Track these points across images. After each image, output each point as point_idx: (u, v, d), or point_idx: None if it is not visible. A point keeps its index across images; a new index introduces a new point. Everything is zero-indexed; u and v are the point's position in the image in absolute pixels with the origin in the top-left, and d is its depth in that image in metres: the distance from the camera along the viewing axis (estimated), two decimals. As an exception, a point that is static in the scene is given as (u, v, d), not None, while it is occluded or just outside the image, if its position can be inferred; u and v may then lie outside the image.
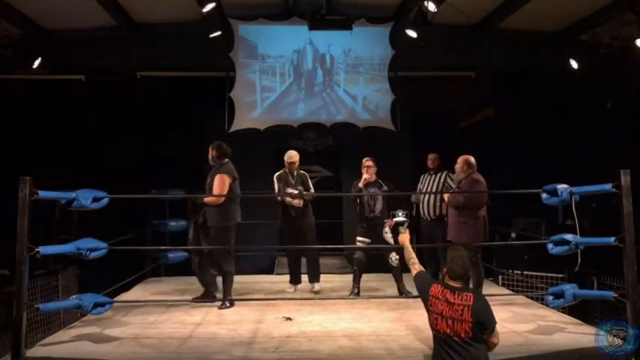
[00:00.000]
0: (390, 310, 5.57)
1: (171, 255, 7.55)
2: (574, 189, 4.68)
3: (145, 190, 7.14)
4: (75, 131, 8.75)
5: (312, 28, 7.94)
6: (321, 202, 7.16)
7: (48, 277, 6.81)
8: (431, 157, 6.75)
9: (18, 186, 4.16)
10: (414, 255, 4.06)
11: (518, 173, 7.73)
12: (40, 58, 8.29)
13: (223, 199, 5.60)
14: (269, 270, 8.29)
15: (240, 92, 8.99)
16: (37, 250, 4.25)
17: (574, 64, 8.50)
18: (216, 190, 5.61)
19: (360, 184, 6.25)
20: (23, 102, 8.62)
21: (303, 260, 6.76)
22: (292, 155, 6.56)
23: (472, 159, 5.90)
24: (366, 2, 8.53)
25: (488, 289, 6.23)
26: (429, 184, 6.70)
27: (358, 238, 6.32)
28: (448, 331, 3.42)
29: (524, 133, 8.78)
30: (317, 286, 6.62)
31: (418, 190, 6.77)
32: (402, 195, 6.63)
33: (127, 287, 6.50)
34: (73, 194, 4.52)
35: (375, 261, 6.59)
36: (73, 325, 5.15)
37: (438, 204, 6.50)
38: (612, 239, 4.35)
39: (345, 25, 7.83)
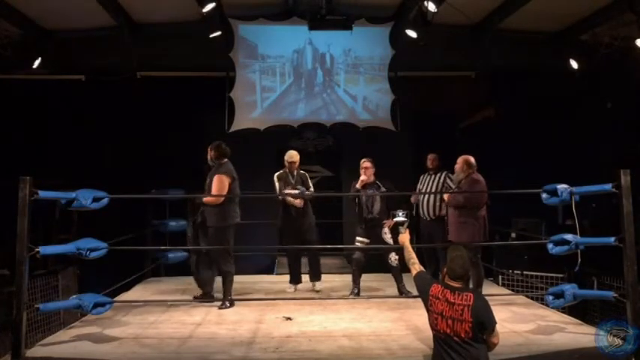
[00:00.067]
0: (390, 310, 5.57)
1: (171, 255, 7.55)
2: (574, 189, 4.68)
3: (145, 190, 7.14)
4: (75, 131, 8.75)
5: (312, 28, 7.94)
6: (321, 202, 7.17)
7: (48, 277, 6.81)
8: (430, 157, 6.75)
9: (18, 186, 4.16)
10: (414, 255, 4.06)
11: (518, 173, 7.73)
12: (40, 58, 8.29)
13: (222, 199, 5.60)
14: (269, 270, 8.29)
15: (240, 92, 8.99)
16: (37, 250, 4.25)
17: (574, 64, 8.50)
18: (215, 191, 5.61)
19: (358, 186, 6.24)
20: (23, 102, 8.62)
21: (304, 260, 6.76)
22: (293, 155, 6.57)
23: (472, 159, 5.91)
24: (366, 2, 8.53)
25: (488, 289, 6.23)
26: (428, 184, 6.69)
27: (357, 239, 6.32)
28: (448, 331, 3.42)
29: (524, 133, 8.78)
30: (318, 285, 6.64)
31: (417, 190, 6.77)
32: (399, 195, 6.62)
33: (127, 287, 6.50)
34: (73, 194, 4.52)
35: (375, 261, 6.59)
36: (73, 325, 5.15)
37: (437, 204, 6.50)
38: (612, 239, 4.35)
39: (345, 25, 7.83)
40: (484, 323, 3.40)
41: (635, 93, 7.99)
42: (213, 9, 7.39)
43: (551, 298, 4.83)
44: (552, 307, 5.05)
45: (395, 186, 6.36)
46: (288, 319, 5.21)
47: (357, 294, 6.23)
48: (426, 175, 6.78)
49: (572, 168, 7.03)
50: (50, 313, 6.26)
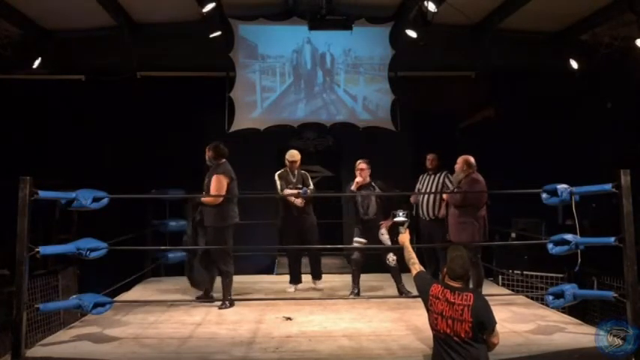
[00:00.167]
0: (390, 310, 5.56)
1: (171, 255, 7.55)
2: (574, 189, 4.67)
3: (145, 190, 7.15)
4: (75, 131, 8.75)
5: (312, 28, 7.95)
6: (321, 202, 7.16)
7: (48, 277, 6.81)
8: (429, 157, 6.75)
9: (18, 186, 4.16)
10: (414, 255, 4.06)
11: (518, 173, 7.73)
12: (40, 58, 8.30)
13: (221, 199, 5.61)
14: (269, 270, 8.29)
15: (240, 92, 8.99)
16: (37, 250, 4.25)
17: (574, 64, 8.50)
18: (213, 191, 5.62)
19: (353, 187, 6.23)
20: (23, 102, 8.62)
21: (304, 260, 6.77)
22: (294, 154, 6.58)
23: (472, 159, 5.91)
24: (366, 2, 8.53)
25: (488, 289, 6.23)
26: (427, 184, 6.69)
27: (355, 239, 6.31)
28: (448, 331, 3.42)
29: (524, 133, 8.78)
30: (319, 284, 6.66)
31: (417, 190, 6.77)
32: (395, 196, 6.60)
33: (127, 287, 6.49)
34: (73, 194, 4.52)
35: (374, 261, 6.58)
36: (73, 325, 5.15)
37: (437, 204, 6.50)
38: (612, 239, 4.35)
39: (345, 25, 7.83)
40: (484, 323, 3.39)
41: (635, 93, 7.99)
42: (213, 9, 7.40)
43: (551, 298, 4.82)
44: (552, 307, 5.05)
45: (395, 185, 6.35)
46: (288, 319, 5.21)
47: (357, 294, 6.22)
48: (425, 175, 6.78)
49: (572, 168, 7.03)
50: (50, 313, 6.26)
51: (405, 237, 4.31)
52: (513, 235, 7.74)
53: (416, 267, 3.95)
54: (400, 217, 4.74)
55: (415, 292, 3.99)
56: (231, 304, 5.68)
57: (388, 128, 9.05)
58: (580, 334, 4.60)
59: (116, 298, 5.44)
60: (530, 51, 8.85)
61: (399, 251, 4.60)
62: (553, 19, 8.30)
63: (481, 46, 8.70)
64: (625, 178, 4.29)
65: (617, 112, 8.64)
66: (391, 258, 6.14)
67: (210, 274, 5.96)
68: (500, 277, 7.54)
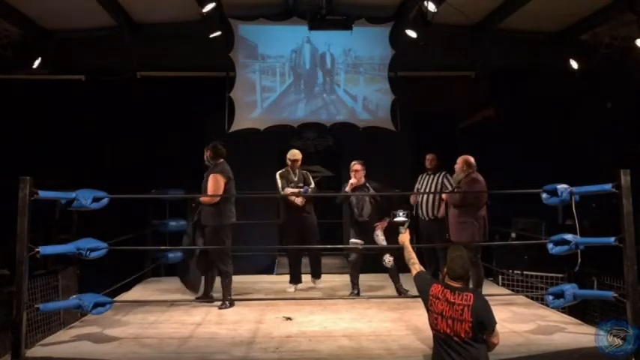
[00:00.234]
0: (390, 310, 5.57)
1: (171, 255, 7.55)
2: (574, 189, 4.67)
3: (145, 190, 7.15)
4: (75, 131, 8.75)
5: (312, 28, 7.95)
6: (321, 202, 7.16)
7: (48, 277, 6.81)
8: (428, 157, 6.75)
9: (18, 186, 4.16)
10: (414, 255, 4.06)
11: (518, 173, 7.73)
12: (40, 58, 8.30)
13: (218, 198, 5.62)
14: (269, 270, 8.29)
15: (240, 92, 8.99)
16: (37, 250, 4.25)
17: (574, 64, 8.50)
18: (210, 190, 5.64)
19: (347, 189, 6.22)
20: (23, 102, 8.62)
21: (304, 260, 6.77)
22: (295, 153, 6.60)
23: (472, 159, 5.91)
24: (366, 2, 8.53)
25: (488, 289, 6.23)
26: (426, 184, 6.69)
27: (351, 241, 6.32)
28: (448, 330, 3.42)
29: (524, 133, 8.78)
30: (319, 283, 6.69)
31: (416, 189, 6.76)
32: (390, 197, 6.59)
33: (127, 287, 6.49)
34: (73, 194, 4.52)
35: (372, 262, 6.58)
36: (73, 325, 5.15)
37: (436, 204, 6.50)
38: (612, 239, 4.35)
39: (345, 25, 7.83)
40: (484, 323, 3.39)
41: (635, 93, 7.99)
42: (213, 9, 7.40)
43: (551, 298, 4.82)
44: (552, 307, 5.05)
45: (391, 186, 6.34)
46: (288, 319, 5.21)
47: (357, 294, 6.22)
48: (425, 175, 6.78)
49: (572, 168, 7.03)
50: (50, 313, 6.25)
51: (405, 237, 4.31)
52: (513, 235, 7.74)
53: (416, 267, 3.95)
54: (400, 217, 4.74)
55: (414, 291, 3.99)
56: (231, 304, 5.69)
57: (388, 128, 9.04)
58: (580, 334, 4.60)
59: (116, 298, 5.44)
60: (530, 51, 8.85)
61: (399, 251, 4.60)
62: (553, 19, 8.30)
63: (481, 46, 8.69)
64: (625, 178, 4.29)
65: (617, 112, 8.64)
66: (387, 259, 6.13)
67: (210, 275, 5.97)
68: (500, 277, 7.54)
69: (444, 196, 6.23)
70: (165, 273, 7.83)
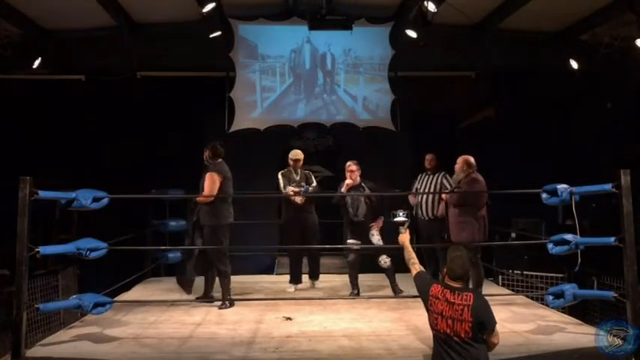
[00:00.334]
0: (390, 310, 5.57)
1: (171, 255, 7.54)
2: (574, 189, 4.67)
3: (145, 190, 7.14)
4: (75, 131, 8.75)
5: (312, 28, 7.94)
6: (322, 202, 7.17)
7: (48, 277, 6.80)
8: (428, 157, 6.75)
9: (18, 186, 4.17)
10: (413, 255, 4.06)
11: (518, 173, 7.73)
12: (40, 58, 8.30)
13: (213, 197, 5.62)
14: (269, 270, 8.28)
15: (240, 92, 8.99)
16: (37, 250, 4.25)
17: (574, 64, 8.50)
18: (205, 189, 5.65)
19: (343, 190, 6.22)
20: (23, 102, 8.62)
21: (304, 260, 6.77)
22: (297, 153, 6.63)
23: (472, 159, 5.91)
24: (366, 2, 8.53)
25: (488, 289, 6.23)
26: (426, 184, 6.69)
27: (348, 241, 6.32)
28: (448, 330, 3.42)
29: (524, 133, 8.77)
30: (317, 284, 6.70)
31: (415, 189, 6.76)
32: (385, 197, 6.59)
33: (127, 287, 6.49)
34: (73, 194, 4.52)
35: (371, 262, 6.58)
36: (73, 325, 5.15)
37: (435, 204, 6.50)
38: (612, 239, 4.35)
39: (345, 25, 7.83)
40: (484, 323, 3.40)
41: (635, 93, 7.99)
42: (213, 9, 7.39)
43: (551, 298, 4.83)
44: (552, 307, 5.05)
45: (389, 186, 6.34)
46: (288, 319, 5.21)
47: (357, 294, 6.23)
48: (424, 175, 6.78)
49: (572, 168, 7.03)
50: (50, 313, 6.25)
51: (404, 237, 4.31)
52: (513, 235, 7.74)
53: (416, 267, 3.95)
54: (400, 217, 4.73)
55: (412, 291, 3.99)
56: (231, 304, 5.69)
57: (388, 128, 9.05)
58: (580, 334, 4.60)
59: (116, 298, 5.44)
60: (530, 51, 8.85)
61: (398, 251, 4.60)
62: (553, 19, 8.30)
63: (481, 46, 8.69)
64: (625, 178, 4.29)
65: (617, 112, 8.64)
66: (382, 260, 6.13)
67: (210, 275, 5.97)
68: (500, 277, 7.54)
69: (443, 195, 6.22)
70: (165, 273, 7.83)
